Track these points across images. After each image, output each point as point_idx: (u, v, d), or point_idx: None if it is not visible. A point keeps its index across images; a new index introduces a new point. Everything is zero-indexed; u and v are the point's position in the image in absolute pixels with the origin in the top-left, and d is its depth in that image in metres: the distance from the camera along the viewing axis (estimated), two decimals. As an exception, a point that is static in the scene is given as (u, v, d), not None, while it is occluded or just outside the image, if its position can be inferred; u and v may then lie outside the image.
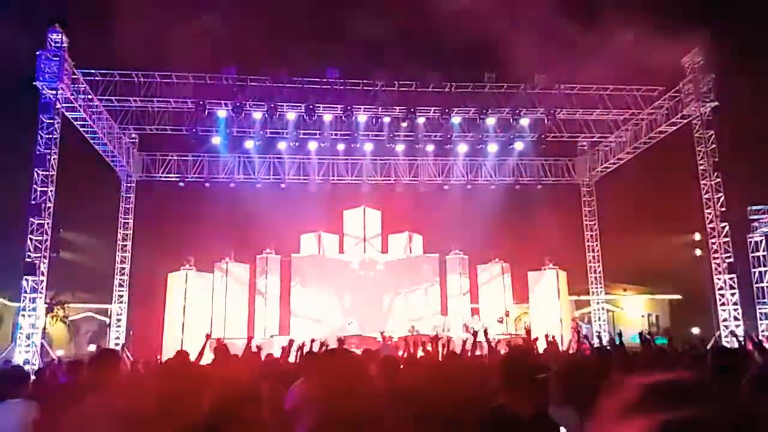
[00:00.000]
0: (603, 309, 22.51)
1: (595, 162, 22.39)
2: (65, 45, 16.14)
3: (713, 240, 17.93)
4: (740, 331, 17.38)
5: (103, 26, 17.99)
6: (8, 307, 18.98)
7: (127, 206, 21.04)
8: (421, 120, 19.11)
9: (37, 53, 15.93)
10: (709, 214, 18.01)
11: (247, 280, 20.71)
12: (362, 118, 19.03)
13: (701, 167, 18.17)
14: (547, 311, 20.06)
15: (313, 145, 20.23)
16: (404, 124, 19.21)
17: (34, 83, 15.80)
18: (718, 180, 17.88)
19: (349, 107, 18.26)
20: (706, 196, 18.10)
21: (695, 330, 20.89)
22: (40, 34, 16.09)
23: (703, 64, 17.81)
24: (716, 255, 17.84)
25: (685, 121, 18.47)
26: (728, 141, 18.12)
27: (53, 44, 16.08)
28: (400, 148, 20.61)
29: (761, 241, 19.15)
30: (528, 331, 9.41)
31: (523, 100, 18.67)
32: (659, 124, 19.09)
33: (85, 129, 17.70)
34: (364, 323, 19.84)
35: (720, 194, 17.87)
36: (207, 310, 19.61)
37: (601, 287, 22.53)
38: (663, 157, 19.80)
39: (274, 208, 20.05)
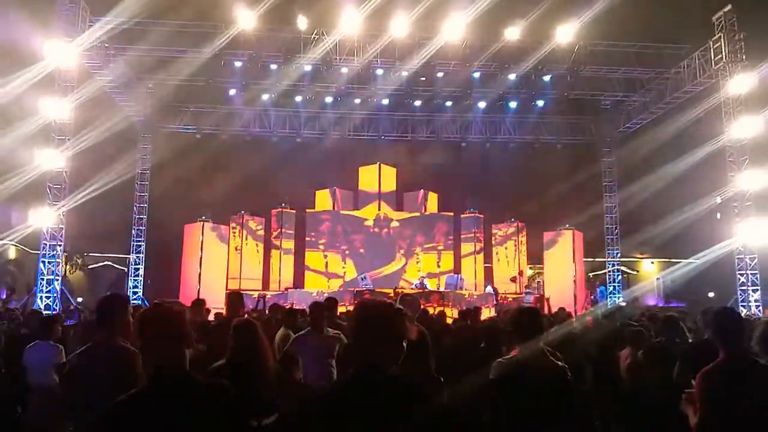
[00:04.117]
0: (618, 271, 22.37)
1: (617, 122, 21.89)
2: (82, -6, 15.94)
3: (735, 203, 17.60)
4: (758, 296, 17.23)
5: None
6: (29, 254, 19.33)
7: (144, 156, 21.11)
8: (440, 75, 18.69)
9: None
10: (733, 176, 17.62)
11: (262, 234, 20.86)
12: (380, 71, 18.67)
13: (726, 129, 17.70)
14: (562, 272, 19.97)
15: (329, 99, 19.98)
16: (423, 79, 18.83)
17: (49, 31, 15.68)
18: (744, 142, 17.42)
19: (366, 60, 17.90)
20: (730, 158, 17.67)
21: (711, 294, 20.72)
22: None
23: (734, 21, 17.14)
24: (737, 219, 17.53)
25: (713, 81, 17.90)
26: (755, 102, 17.55)
27: (70, -7, 15.87)
28: (417, 103, 20.27)
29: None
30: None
31: (546, 56, 18.13)
32: (686, 83, 18.53)
33: (102, 78, 17.62)
34: (377, 279, 19.99)
35: (744, 157, 17.44)
36: (223, 262, 19.83)
37: (617, 249, 22.34)
38: (688, 118, 19.27)
39: (289, 162, 20.01)
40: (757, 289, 17.29)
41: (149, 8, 16.90)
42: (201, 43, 17.45)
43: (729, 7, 17.18)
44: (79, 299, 19.94)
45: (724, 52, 17.19)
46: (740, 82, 17.17)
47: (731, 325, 3.38)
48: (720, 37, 17.36)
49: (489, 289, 18.82)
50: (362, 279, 19.43)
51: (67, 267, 20.27)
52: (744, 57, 17.09)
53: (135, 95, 19.59)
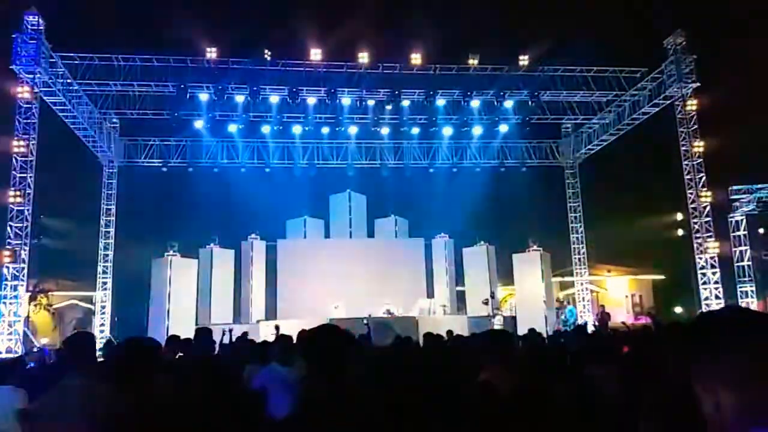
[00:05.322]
0: (587, 290, 22.73)
1: (578, 144, 22.49)
2: (42, 27, 15.81)
3: (695, 220, 18.17)
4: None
5: (81, 8, 17.72)
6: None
7: (110, 192, 20.78)
8: (405, 103, 19.01)
9: (13, 36, 15.60)
10: (691, 194, 18.24)
11: (232, 266, 20.60)
12: (346, 101, 18.89)
13: (683, 148, 18.39)
14: (532, 293, 20.18)
15: (297, 129, 20.07)
16: (389, 107, 19.11)
17: (10, 67, 15.50)
18: (700, 160, 18.13)
19: (332, 90, 18.12)
20: (688, 176, 18.32)
21: (678, 309, 21.20)
22: (16, 17, 15.75)
23: (684, 44, 17.92)
24: (698, 235, 18.08)
25: (668, 102, 18.61)
26: (710, 122, 18.33)
27: (30, 27, 15.73)
28: (385, 131, 20.51)
29: (742, 220, 19.44)
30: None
31: (507, 83, 18.64)
32: (642, 105, 19.21)
33: (65, 114, 17.40)
34: (350, 307, 19.87)
35: (701, 174, 18.11)
36: (192, 296, 19.48)
37: (585, 268, 22.74)
38: (646, 139, 19.96)
39: (258, 192, 19.91)
40: (721, 303, 17.75)
41: (113, 44, 16.93)
42: (166, 77, 17.47)
43: (678, 30, 17.98)
44: (44, 340, 19.36)
45: (676, 74, 17.91)
46: (693, 103, 17.98)
47: None
48: (672, 59, 18.11)
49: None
50: (335, 308, 19.33)
51: (30, 307, 19.69)
52: (695, 78, 17.84)
53: (99, 130, 19.38)
